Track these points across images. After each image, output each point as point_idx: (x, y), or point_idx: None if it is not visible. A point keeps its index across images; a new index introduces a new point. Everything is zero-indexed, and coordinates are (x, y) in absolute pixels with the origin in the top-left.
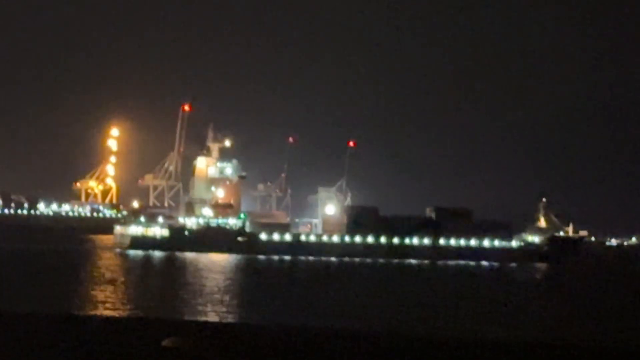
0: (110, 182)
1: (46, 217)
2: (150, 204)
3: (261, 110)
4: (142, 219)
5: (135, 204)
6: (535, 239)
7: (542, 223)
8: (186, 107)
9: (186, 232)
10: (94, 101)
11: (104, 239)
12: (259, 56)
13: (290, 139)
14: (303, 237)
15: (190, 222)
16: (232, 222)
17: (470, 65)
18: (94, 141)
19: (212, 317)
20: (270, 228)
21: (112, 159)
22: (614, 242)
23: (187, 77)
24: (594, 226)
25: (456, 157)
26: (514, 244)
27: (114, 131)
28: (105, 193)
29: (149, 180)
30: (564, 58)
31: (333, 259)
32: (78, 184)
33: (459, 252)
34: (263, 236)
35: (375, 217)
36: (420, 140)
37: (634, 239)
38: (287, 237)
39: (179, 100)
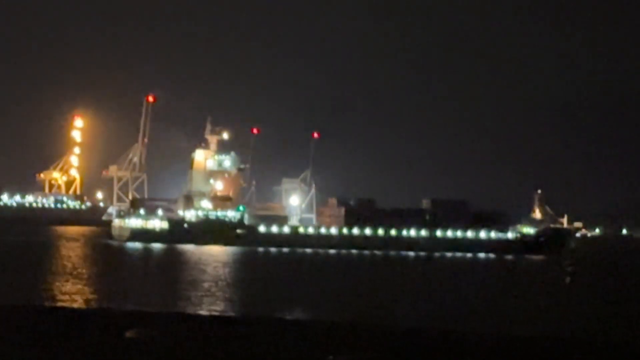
0: (74, 173)
1: (9, 208)
2: (115, 195)
3: (225, 102)
4: (142, 211)
5: (100, 195)
6: (530, 230)
7: (537, 214)
8: (150, 98)
9: (185, 225)
10: (57, 92)
11: (68, 230)
12: (221, 47)
13: (255, 130)
14: (301, 230)
15: (190, 215)
16: (231, 214)
17: (467, 55)
18: (57, 132)
19: (182, 309)
20: (269, 220)
21: (76, 150)
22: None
23: (151, 67)
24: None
25: (452, 149)
26: (510, 235)
27: (78, 122)
28: (69, 184)
29: (113, 171)
30: (561, 50)
31: (331, 251)
32: (42, 175)
33: (455, 244)
34: (262, 228)
35: (372, 210)
36: (414, 133)
37: (597, 230)
38: (286, 229)
39: (144, 91)
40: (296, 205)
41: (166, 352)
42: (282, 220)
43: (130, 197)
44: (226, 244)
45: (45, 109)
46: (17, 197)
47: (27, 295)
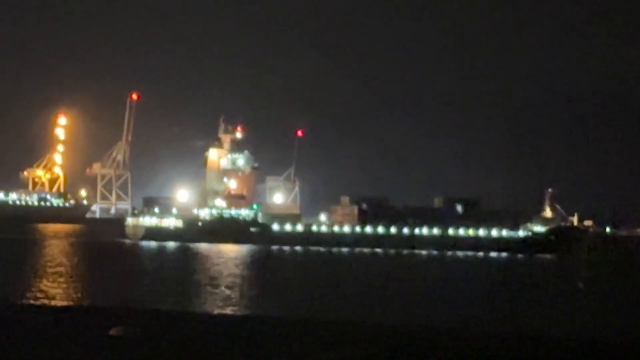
0: (57, 171)
1: None
2: (98, 193)
3: (209, 100)
4: (157, 209)
5: (83, 193)
6: (540, 228)
7: (548, 213)
8: (134, 96)
9: (199, 223)
10: (41, 89)
11: (52, 227)
12: (202, 45)
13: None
14: (315, 228)
15: (204, 213)
16: (245, 212)
17: (474, 51)
18: (41, 130)
19: (170, 306)
20: (282, 219)
21: (60, 147)
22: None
23: (135, 65)
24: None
25: (463, 148)
26: (521, 233)
27: (62, 120)
28: (52, 182)
29: (96, 169)
30: (574, 44)
31: (344, 249)
32: (25, 173)
33: (467, 243)
34: (275, 227)
35: (385, 208)
36: (425, 130)
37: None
38: (299, 227)
39: (128, 88)
40: (280, 204)
41: (149, 351)
42: (295, 218)
43: (114, 195)
44: (240, 242)
45: (29, 107)
46: (1, 195)
47: (8, 293)
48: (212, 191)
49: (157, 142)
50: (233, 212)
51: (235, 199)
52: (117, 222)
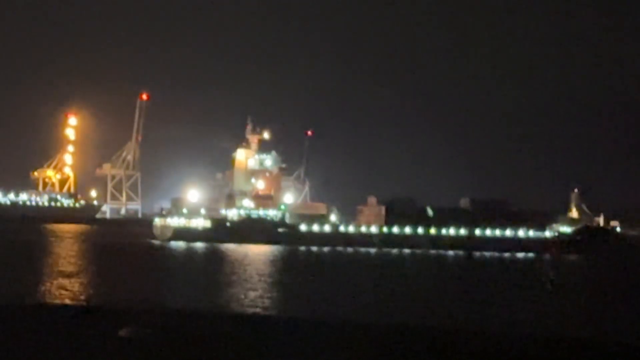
0: (68, 171)
1: (3, 207)
2: (108, 193)
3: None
4: (185, 210)
5: (93, 193)
6: (567, 229)
7: (575, 213)
8: (144, 97)
9: (228, 224)
10: (51, 90)
11: (62, 228)
12: (213, 45)
13: (309, 133)
14: (342, 228)
15: (232, 214)
16: (273, 213)
17: (499, 54)
18: (51, 130)
19: (184, 306)
20: (310, 219)
21: (70, 148)
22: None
23: (146, 65)
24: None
25: (490, 149)
26: (548, 234)
27: (72, 120)
28: (62, 182)
29: (106, 169)
30: (598, 47)
31: (372, 250)
32: (36, 173)
33: (494, 243)
34: (303, 227)
35: (412, 208)
36: (452, 132)
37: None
38: (326, 227)
39: (137, 89)
40: (290, 203)
41: (158, 352)
42: (323, 218)
43: (124, 195)
44: (268, 242)
45: (39, 107)
46: (11, 196)
47: (20, 294)
48: (240, 192)
49: (167, 142)
50: (261, 212)
51: (263, 200)
52: (137, 222)
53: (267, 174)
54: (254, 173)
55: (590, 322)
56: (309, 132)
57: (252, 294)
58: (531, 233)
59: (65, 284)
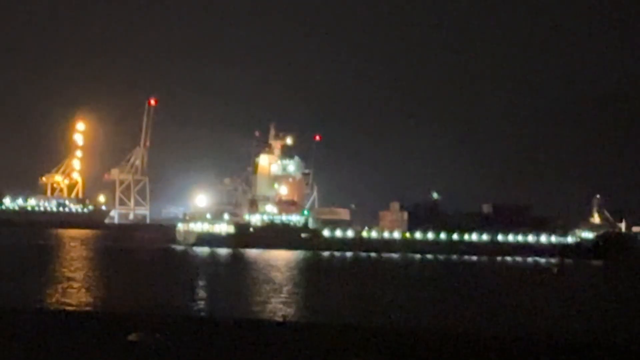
0: (76, 176)
1: (12, 212)
2: (117, 198)
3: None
4: (208, 215)
5: (102, 199)
6: (589, 234)
7: (596, 219)
8: (152, 102)
9: (251, 229)
10: (59, 95)
11: (70, 233)
12: (220, 51)
13: (257, 133)
14: (365, 234)
15: (255, 219)
16: (296, 218)
17: (519, 57)
18: (60, 135)
19: (191, 313)
20: (333, 224)
21: (78, 153)
22: None
23: (154, 70)
24: None
25: (512, 155)
26: (570, 240)
27: (80, 125)
28: (71, 187)
29: (115, 174)
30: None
31: (394, 255)
32: (44, 179)
33: (516, 248)
34: (326, 232)
35: (435, 214)
36: (474, 137)
37: None
38: (349, 233)
39: (145, 94)
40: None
41: (166, 357)
42: (345, 224)
43: (132, 200)
44: (291, 248)
45: (47, 113)
46: (20, 201)
47: (28, 299)
48: (263, 197)
49: (175, 148)
50: (284, 218)
51: (286, 205)
52: (163, 228)
53: (290, 180)
54: (277, 179)
55: (604, 326)
56: (317, 137)
57: (273, 301)
58: (553, 239)
59: (74, 288)
